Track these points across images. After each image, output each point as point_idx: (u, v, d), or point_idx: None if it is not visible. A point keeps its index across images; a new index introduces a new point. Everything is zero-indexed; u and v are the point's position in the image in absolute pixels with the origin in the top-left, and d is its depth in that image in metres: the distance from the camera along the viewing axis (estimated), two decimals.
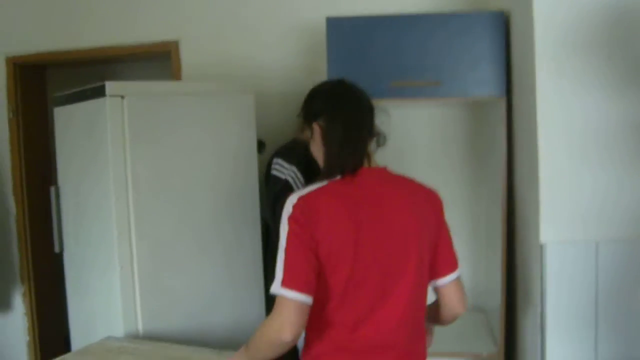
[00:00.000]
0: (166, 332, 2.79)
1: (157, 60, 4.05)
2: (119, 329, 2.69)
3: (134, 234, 2.70)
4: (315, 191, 1.93)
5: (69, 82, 3.28)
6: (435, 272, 2.04)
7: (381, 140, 2.12)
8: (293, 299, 1.82)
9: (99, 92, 2.68)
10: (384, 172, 2.04)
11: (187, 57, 3.68)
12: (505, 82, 2.77)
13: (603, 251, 2.34)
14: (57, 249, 3.09)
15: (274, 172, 2.99)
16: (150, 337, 2.72)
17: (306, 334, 1.98)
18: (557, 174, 2.37)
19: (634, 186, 2.33)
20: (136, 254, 2.70)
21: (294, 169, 2.95)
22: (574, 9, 2.32)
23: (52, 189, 3.07)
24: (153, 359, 2.43)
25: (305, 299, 1.83)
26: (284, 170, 2.96)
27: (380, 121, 2.11)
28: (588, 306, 2.36)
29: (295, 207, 1.88)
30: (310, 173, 2.93)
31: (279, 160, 3.01)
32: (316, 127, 2.04)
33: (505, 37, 2.77)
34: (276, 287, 1.85)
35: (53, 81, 4.33)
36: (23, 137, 4.00)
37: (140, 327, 2.72)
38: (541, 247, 2.38)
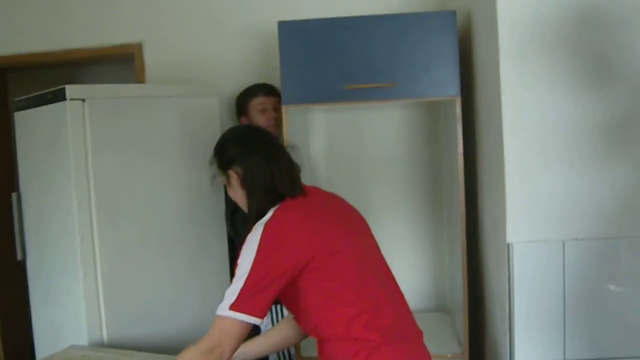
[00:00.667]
0: (131, 339, 2.76)
1: (121, 63, 4.01)
2: (83, 337, 2.65)
3: (97, 240, 2.66)
4: (279, 213, 2.01)
5: (31, 86, 3.23)
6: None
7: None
8: (243, 323, 1.88)
9: (60, 96, 2.64)
10: (315, 188, 2.23)
11: (151, 59, 3.64)
12: (459, 81, 2.76)
13: (569, 250, 2.35)
14: (19, 257, 3.03)
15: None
16: (116, 344, 2.69)
17: (329, 343, 2.03)
18: (522, 173, 2.37)
19: (599, 185, 2.34)
20: (99, 261, 2.66)
21: None
22: (537, 7, 2.32)
23: (14, 195, 3.01)
24: None
25: (255, 321, 1.89)
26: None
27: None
28: (556, 306, 2.36)
29: (264, 235, 1.93)
30: None
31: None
32: (232, 174, 2.15)
33: (457, 36, 2.76)
34: (224, 309, 1.88)
35: (14, 85, 4.26)
36: None
37: (105, 335, 2.68)
38: (508, 247, 2.38)
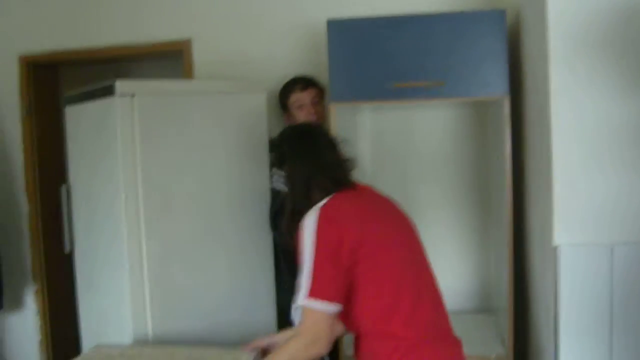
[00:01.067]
0: (176, 333, 2.78)
1: (170, 60, 4.04)
2: (128, 330, 2.68)
3: (143, 233, 2.68)
4: (332, 201, 2.06)
5: (81, 80, 3.28)
6: None
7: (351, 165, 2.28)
8: (321, 310, 1.91)
9: (109, 91, 2.67)
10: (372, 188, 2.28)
11: (200, 56, 3.67)
12: (508, 81, 2.73)
13: (618, 254, 2.30)
14: (67, 249, 3.08)
15: (273, 185, 2.94)
16: (161, 338, 2.71)
17: (367, 339, 2.05)
18: (571, 175, 2.33)
19: None
20: (146, 254, 2.69)
21: None
22: (587, 7, 2.29)
23: (63, 187, 3.07)
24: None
25: (335, 308, 1.91)
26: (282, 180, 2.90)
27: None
28: (602, 310, 2.32)
29: (320, 217, 1.98)
30: None
31: (278, 171, 2.94)
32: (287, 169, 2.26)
33: (507, 35, 2.73)
34: (301, 298, 1.92)
35: (66, 80, 4.33)
36: (36, 136, 4.01)
37: (150, 328, 2.70)
38: (554, 250, 2.34)
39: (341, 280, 1.95)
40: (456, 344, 2.13)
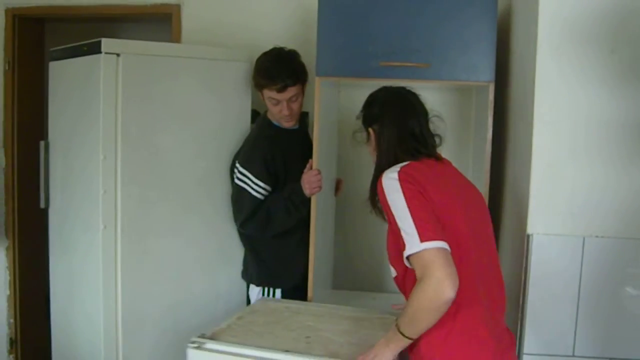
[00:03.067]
0: (145, 294, 2.79)
1: (158, 24, 4.01)
2: (98, 289, 2.68)
3: (119, 195, 2.68)
4: (411, 164, 2.04)
5: (68, 38, 3.24)
6: None
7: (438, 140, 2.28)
8: (440, 248, 1.80)
9: (95, 49, 2.66)
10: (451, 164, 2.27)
11: (188, 22, 3.64)
12: (494, 67, 2.73)
13: (589, 247, 2.33)
14: (42, 204, 3.07)
15: (237, 182, 2.92)
16: (129, 300, 2.72)
17: None
18: (549, 166, 2.35)
19: (626, 184, 2.32)
20: (120, 215, 2.68)
21: (256, 181, 2.88)
22: (579, 1, 2.29)
23: (42, 143, 3.04)
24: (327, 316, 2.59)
25: (447, 246, 1.82)
26: (247, 181, 2.88)
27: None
28: (570, 300, 2.35)
29: (401, 174, 1.96)
30: (278, 166, 2.93)
31: (243, 170, 2.91)
32: (371, 132, 2.23)
33: (496, 22, 2.73)
34: (414, 247, 1.82)
35: (52, 36, 4.27)
36: (17, 89, 3.95)
37: (120, 289, 2.71)
38: (527, 238, 2.36)
39: (439, 223, 1.88)
40: (506, 331, 2.09)
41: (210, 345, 2.20)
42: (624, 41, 2.28)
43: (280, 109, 2.92)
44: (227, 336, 2.29)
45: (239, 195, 2.91)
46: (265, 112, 3.06)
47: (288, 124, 2.99)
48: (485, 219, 2.16)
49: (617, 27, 2.28)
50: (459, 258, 1.86)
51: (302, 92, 2.93)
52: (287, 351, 2.14)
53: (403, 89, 2.30)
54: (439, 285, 1.75)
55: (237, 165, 2.93)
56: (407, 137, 2.15)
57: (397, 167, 1.99)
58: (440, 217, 1.90)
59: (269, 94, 2.90)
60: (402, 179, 1.93)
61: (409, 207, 1.87)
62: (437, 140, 2.26)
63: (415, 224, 1.84)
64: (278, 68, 2.88)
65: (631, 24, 2.27)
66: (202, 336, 2.25)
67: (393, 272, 2.11)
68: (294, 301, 2.79)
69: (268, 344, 2.21)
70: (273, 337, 2.32)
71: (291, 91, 2.89)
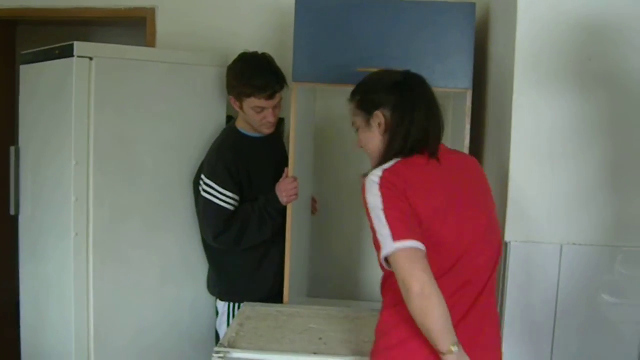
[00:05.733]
0: (118, 303, 2.75)
1: (133, 27, 3.96)
2: (69, 297, 2.64)
3: (91, 202, 2.64)
4: (399, 164, 1.96)
5: (40, 41, 3.18)
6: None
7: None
8: (413, 248, 1.79)
9: (67, 52, 2.62)
10: (449, 149, 2.14)
11: (163, 26, 3.60)
12: (472, 74, 2.73)
13: (566, 254, 2.33)
14: (12, 211, 3.01)
15: (204, 195, 2.81)
16: (101, 308, 2.68)
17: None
18: (526, 173, 2.35)
19: (602, 192, 2.32)
20: (92, 222, 2.64)
21: (223, 191, 2.80)
22: (556, 9, 2.30)
23: (12, 149, 2.99)
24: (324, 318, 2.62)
25: (422, 246, 1.80)
26: (214, 192, 2.80)
27: None
28: (547, 308, 2.35)
29: (383, 178, 1.90)
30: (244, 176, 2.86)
31: (208, 182, 2.81)
32: (380, 116, 2.05)
33: (474, 29, 2.73)
34: (387, 247, 1.80)
35: (24, 39, 4.22)
36: None
37: (92, 296, 2.66)
38: (505, 246, 2.35)
39: (415, 223, 1.85)
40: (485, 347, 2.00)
41: (236, 354, 2.21)
42: (601, 49, 2.29)
43: (264, 116, 2.85)
44: (244, 343, 2.29)
45: (206, 209, 2.81)
46: (232, 123, 3.00)
47: (269, 130, 2.93)
48: (487, 222, 2.03)
49: (594, 34, 2.29)
50: (437, 264, 1.84)
51: (282, 99, 2.90)
52: (315, 354, 2.20)
53: (409, 73, 2.14)
54: (422, 301, 1.75)
55: (202, 177, 2.84)
56: (418, 130, 2.00)
57: (381, 170, 1.93)
58: (422, 223, 1.87)
59: (255, 102, 2.81)
60: (382, 184, 1.89)
61: (384, 209, 1.85)
62: (437, 131, 2.10)
63: (389, 224, 1.82)
64: (265, 75, 2.82)
65: (608, 31, 2.28)
66: (221, 346, 2.24)
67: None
68: (281, 305, 2.77)
69: (289, 348, 2.26)
70: (289, 341, 2.35)
71: (278, 97, 2.85)
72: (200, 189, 2.83)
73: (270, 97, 2.81)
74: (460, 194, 1.98)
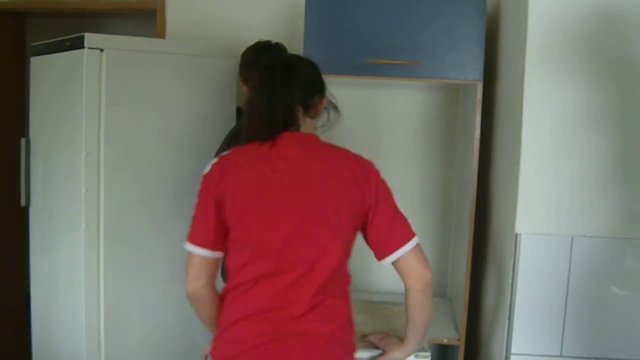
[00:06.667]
0: (129, 295, 2.75)
1: (142, 20, 3.97)
2: (80, 289, 2.64)
3: (102, 193, 2.64)
4: (233, 151, 1.99)
5: (50, 33, 3.19)
6: (383, 250, 1.90)
7: (332, 115, 2.12)
8: (194, 254, 1.90)
9: (78, 44, 2.61)
10: (309, 139, 1.97)
11: (173, 17, 3.60)
12: (483, 66, 2.72)
13: (577, 246, 2.32)
14: (23, 202, 3.01)
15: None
16: (112, 300, 2.68)
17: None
18: (537, 165, 2.34)
19: (612, 184, 2.31)
20: (103, 214, 2.64)
21: None
22: (568, 2, 2.28)
23: (23, 140, 2.99)
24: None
25: (206, 253, 1.89)
26: None
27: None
28: (557, 300, 2.34)
29: (213, 165, 1.95)
30: None
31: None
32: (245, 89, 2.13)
33: (485, 21, 2.72)
34: (415, 238, 1.89)
35: (34, 31, 4.22)
36: None
37: (102, 288, 2.67)
38: (516, 237, 2.35)
39: (215, 228, 1.89)
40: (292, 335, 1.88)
41: None
42: (613, 41, 2.28)
43: None
44: None
45: None
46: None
47: None
48: (314, 216, 1.87)
49: (606, 27, 2.27)
50: (239, 259, 1.90)
51: None
52: None
53: (288, 57, 2.11)
54: (185, 281, 1.95)
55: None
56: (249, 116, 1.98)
57: (216, 159, 1.99)
58: (229, 217, 1.89)
59: None
60: (207, 174, 1.95)
61: (197, 205, 1.94)
62: (332, 115, 2.09)
63: (191, 224, 1.93)
64: (271, 48, 2.89)
65: (620, 24, 2.27)
66: None
67: None
68: None
69: None
70: None
71: None
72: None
73: None
74: (280, 185, 1.89)
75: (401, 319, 2.04)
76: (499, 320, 2.53)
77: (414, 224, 3.21)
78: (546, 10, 2.30)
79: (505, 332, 2.43)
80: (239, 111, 3.15)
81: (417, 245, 1.90)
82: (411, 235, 1.91)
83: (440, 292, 3.40)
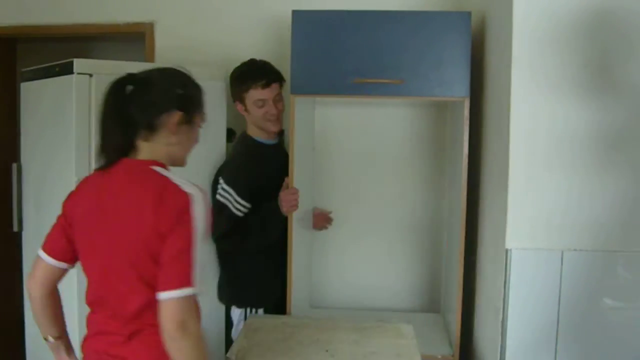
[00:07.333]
0: None
1: (131, 43, 3.98)
2: (73, 314, 2.63)
3: None
4: (90, 174, 2.08)
5: (39, 58, 3.21)
6: (156, 285, 1.81)
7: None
8: (38, 257, 2.02)
9: (67, 69, 2.63)
10: (134, 166, 1.93)
11: (162, 41, 3.62)
12: (469, 82, 2.74)
13: (568, 260, 2.33)
14: (15, 228, 3.02)
15: (219, 198, 2.91)
16: None
17: None
18: (526, 179, 2.35)
19: (603, 197, 2.32)
20: None
21: (239, 199, 2.90)
22: (552, 15, 2.30)
23: (14, 166, 3.00)
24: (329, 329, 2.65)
25: (49, 260, 2.01)
26: (229, 197, 2.90)
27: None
28: (550, 314, 2.34)
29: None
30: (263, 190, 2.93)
31: (227, 187, 2.92)
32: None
33: (471, 37, 2.75)
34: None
35: (23, 56, 4.24)
36: None
37: None
38: (506, 252, 2.36)
39: (61, 240, 2.02)
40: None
41: None
42: (596, 55, 2.30)
43: (266, 110, 2.97)
44: (252, 357, 2.33)
45: (218, 211, 2.87)
46: (244, 130, 3.06)
47: (275, 127, 3.00)
48: (119, 246, 1.87)
49: (589, 41, 2.29)
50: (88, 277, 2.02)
51: (282, 95, 2.94)
52: None
53: (127, 76, 2.01)
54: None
55: (221, 181, 2.93)
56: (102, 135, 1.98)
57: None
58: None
59: (254, 95, 2.95)
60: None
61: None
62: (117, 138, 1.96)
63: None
64: (259, 67, 3.00)
65: (602, 38, 2.29)
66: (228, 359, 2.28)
67: None
68: (286, 316, 2.83)
69: None
70: (295, 353, 2.38)
71: (275, 88, 2.97)
72: (217, 192, 2.91)
73: (266, 85, 2.95)
74: (95, 213, 1.95)
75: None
76: (492, 336, 2.54)
77: (405, 242, 3.24)
78: (531, 27, 2.32)
79: (499, 346, 2.43)
80: (229, 132, 3.17)
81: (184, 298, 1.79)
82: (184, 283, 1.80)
83: (433, 308, 3.41)
